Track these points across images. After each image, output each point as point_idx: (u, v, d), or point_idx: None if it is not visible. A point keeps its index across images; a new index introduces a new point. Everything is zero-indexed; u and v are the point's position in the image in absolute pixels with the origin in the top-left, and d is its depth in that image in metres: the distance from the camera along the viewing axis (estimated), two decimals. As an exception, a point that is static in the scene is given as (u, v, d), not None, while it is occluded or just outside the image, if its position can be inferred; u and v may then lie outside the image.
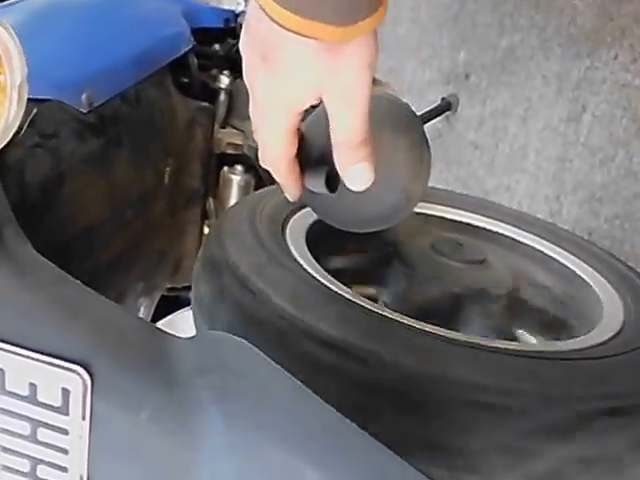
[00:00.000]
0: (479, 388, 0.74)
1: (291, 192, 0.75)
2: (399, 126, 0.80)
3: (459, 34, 2.38)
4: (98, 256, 1.11)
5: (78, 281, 0.69)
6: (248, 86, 0.68)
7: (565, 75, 1.91)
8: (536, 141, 2.01)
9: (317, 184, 0.73)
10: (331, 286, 0.87)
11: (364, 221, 0.82)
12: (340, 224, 0.83)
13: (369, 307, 0.84)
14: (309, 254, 0.96)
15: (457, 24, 2.39)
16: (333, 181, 0.72)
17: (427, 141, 0.82)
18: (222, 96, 1.44)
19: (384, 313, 0.83)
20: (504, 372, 0.77)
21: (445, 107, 2.38)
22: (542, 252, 1.18)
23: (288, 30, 0.58)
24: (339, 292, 0.86)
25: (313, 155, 0.72)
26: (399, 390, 0.74)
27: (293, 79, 0.63)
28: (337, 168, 0.69)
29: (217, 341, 0.66)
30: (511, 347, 0.85)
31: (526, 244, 1.20)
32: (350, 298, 0.85)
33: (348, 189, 0.71)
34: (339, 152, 0.68)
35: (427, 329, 0.82)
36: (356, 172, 0.68)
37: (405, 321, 0.82)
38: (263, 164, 0.72)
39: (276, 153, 0.70)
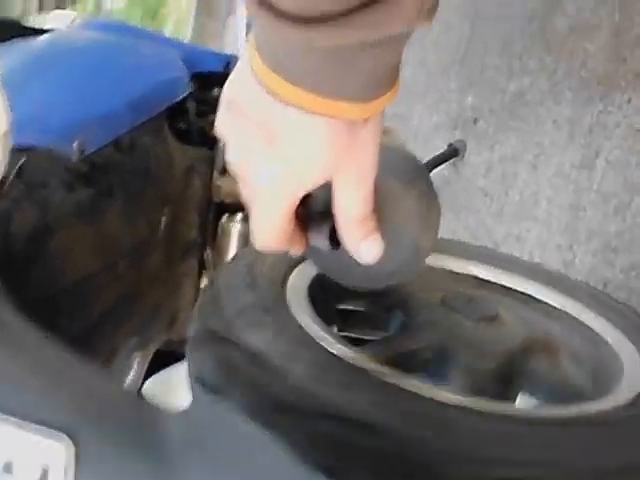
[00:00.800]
0: (509, 463, 0.69)
1: (294, 251, 0.69)
2: (406, 177, 0.75)
3: (466, 78, 2.35)
4: (89, 310, 1.06)
5: (61, 345, 0.65)
6: (235, 168, 0.61)
7: (577, 120, 1.86)
8: (547, 188, 1.96)
9: (320, 240, 0.68)
10: (345, 355, 0.80)
11: (372, 277, 0.76)
12: (346, 281, 0.78)
13: (392, 381, 0.77)
14: (316, 316, 0.90)
15: (464, 67, 2.35)
16: (337, 236, 0.67)
17: (434, 191, 0.77)
18: (221, 143, 1.39)
19: (405, 385, 0.77)
20: (534, 443, 0.72)
21: (452, 153, 2.34)
22: (558, 308, 1.12)
23: (306, 111, 0.52)
24: (355, 363, 0.79)
25: (315, 209, 0.67)
26: (421, 468, 0.68)
27: (304, 163, 0.56)
28: (344, 244, 0.65)
29: (207, 413, 0.63)
30: (536, 414, 0.80)
31: (541, 299, 1.14)
32: (370, 369, 0.78)
33: None
34: (346, 229, 0.63)
35: (447, 400, 0.76)
36: (365, 247, 0.65)
37: (424, 392, 0.76)
38: (259, 247, 0.65)
39: (274, 236, 0.63)
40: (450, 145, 2.35)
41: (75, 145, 0.97)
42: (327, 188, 0.63)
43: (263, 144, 0.57)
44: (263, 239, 0.63)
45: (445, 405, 0.75)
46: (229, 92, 0.60)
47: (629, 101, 1.68)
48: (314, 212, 0.67)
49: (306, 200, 0.64)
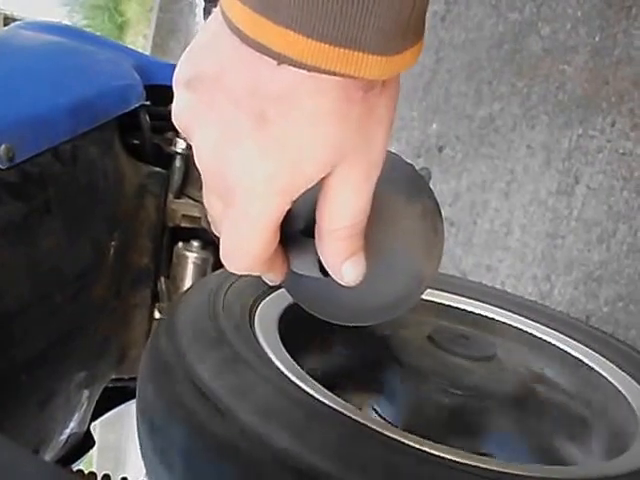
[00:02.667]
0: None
1: (271, 278, 0.55)
2: (407, 189, 0.60)
3: (430, 105, 2.25)
4: (17, 350, 0.90)
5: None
6: (207, 170, 0.45)
7: (554, 145, 1.76)
8: (521, 216, 1.85)
9: (305, 265, 0.54)
10: (326, 402, 0.66)
11: (363, 312, 0.61)
12: (331, 316, 0.62)
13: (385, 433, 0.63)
14: (289, 357, 0.75)
15: (428, 94, 2.25)
16: None
17: (440, 209, 0.63)
18: (178, 162, 1.27)
19: (395, 436, 0.62)
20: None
21: (417, 180, 2.23)
22: (559, 348, 1.00)
23: (306, 68, 0.38)
24: (336, 409, 0.65)
25: (300, 225, 0.53)
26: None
27: (304, 148, 0.41)
28: (323, 260, 0.50)
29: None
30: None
31: (539, 337, 1.02)
32: (357, 420, 0.63)
33: None
34: (332, 242, 0.48)
35: (451, 457, 0.62)
36: (350, 267, 0.50)
37: (416, 446, 0.62)
38: (232, 269, 0.49)
39: (255, 254, 0.47)
40: (414, 173, 2.25)
41: (2, 149, 0.82)
42: (315, 198, 0.49)
43: (250, 127, 0.41)
44: (240, 257, 0.48)
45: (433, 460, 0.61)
46: (190, 66, 0.44)
47: (613, 124, 1.59)
48: (297, 229, 0.53)
49: (287, 212, 0.50)
